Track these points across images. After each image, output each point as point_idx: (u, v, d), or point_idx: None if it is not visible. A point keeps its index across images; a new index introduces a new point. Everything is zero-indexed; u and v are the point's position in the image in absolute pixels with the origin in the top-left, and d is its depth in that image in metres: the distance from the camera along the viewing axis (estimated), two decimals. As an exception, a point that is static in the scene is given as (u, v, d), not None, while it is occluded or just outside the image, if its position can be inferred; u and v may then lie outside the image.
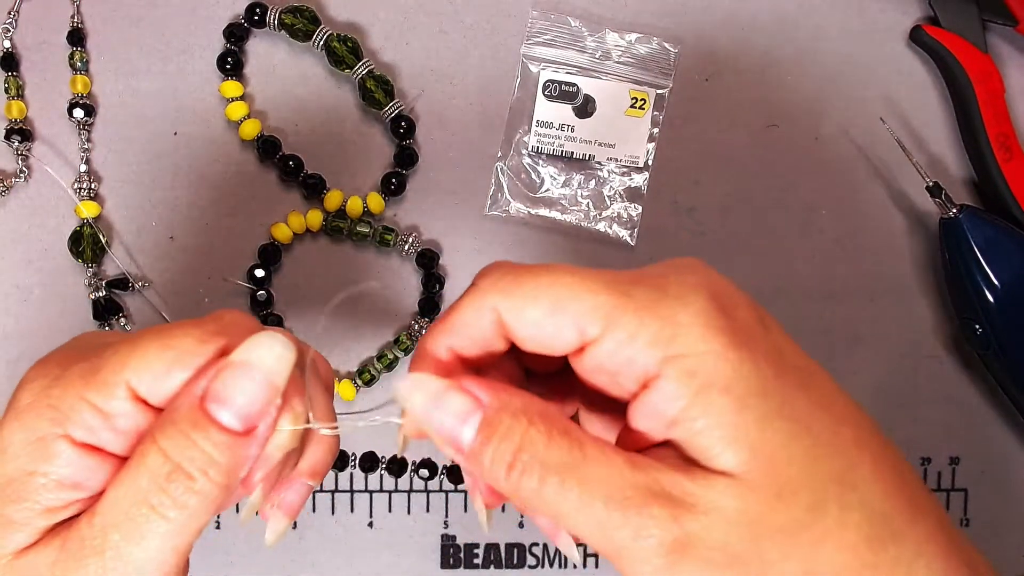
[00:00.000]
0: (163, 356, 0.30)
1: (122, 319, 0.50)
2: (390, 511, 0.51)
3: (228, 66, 0.49)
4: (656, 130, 0.51)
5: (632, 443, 0.31)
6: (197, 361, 0.31)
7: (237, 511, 0.50)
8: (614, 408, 0.33)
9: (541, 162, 0.51)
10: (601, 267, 0.51)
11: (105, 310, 0.49)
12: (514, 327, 0.31)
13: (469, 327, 0.32)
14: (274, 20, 0.49)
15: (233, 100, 0.49)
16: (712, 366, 0.29)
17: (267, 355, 0.30)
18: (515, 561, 0.51)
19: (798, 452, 0.29)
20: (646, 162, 0.51)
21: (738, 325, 0.30)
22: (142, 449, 0.30)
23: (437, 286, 0.50)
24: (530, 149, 0.51)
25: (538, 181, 0.51)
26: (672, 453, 0.30)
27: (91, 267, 0.49)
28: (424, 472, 0.51)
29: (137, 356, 0.30)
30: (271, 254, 0.50)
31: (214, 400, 0.30)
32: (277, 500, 0.34)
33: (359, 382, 0.51)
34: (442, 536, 0.51)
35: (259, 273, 0.50)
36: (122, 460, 0.31)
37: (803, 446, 0.29)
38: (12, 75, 0.49)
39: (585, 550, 0.51)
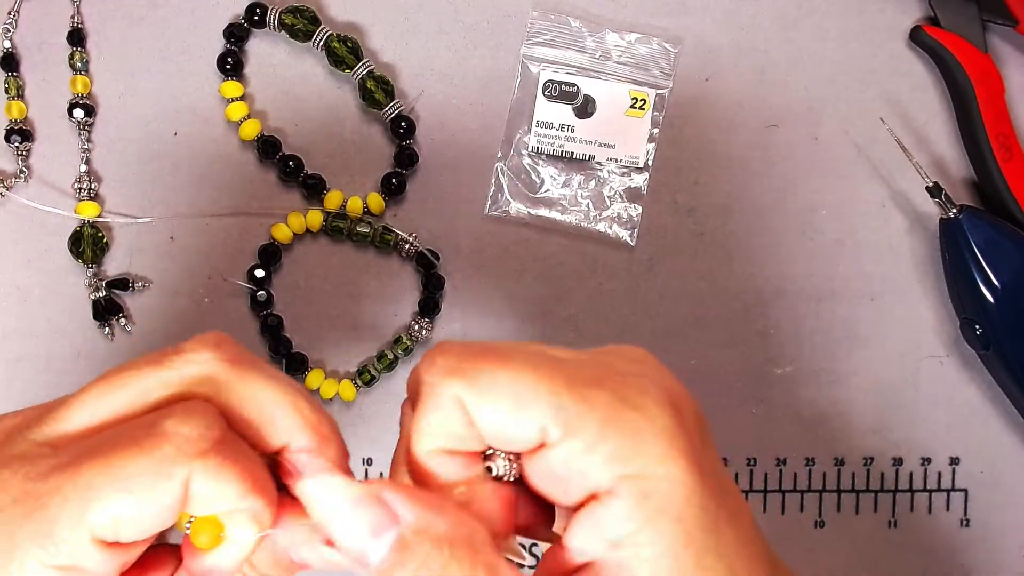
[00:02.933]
0: (124, 501, 0.27)
1: (122, 319, 0.50)
2: (390, 511, 0.51)
3: (228, 66, 0.49)
4: (656, 130, 0.51)
5: (559, 559, 0.30)
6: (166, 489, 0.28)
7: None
8: (546, 509, 0.32)
9: (541, 162, 0.51)
10: (601, 268, 0.51)
11: (105, 310, 0.49)
12: (477, 420, 0.29)
13: (435, 424, 0.29)
14: (274, 20, 0.49)
15: (233, 100, 0.49)
16: (668, 491, 0.28)
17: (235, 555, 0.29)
18: (514, 561, 0.51)
19: None
20: (646, 162, 0.51)
21: (692, 443, 0.29)
22: None
23: (437, 286, 0.50)
24: (530, 149, 0.51)
25: (538, 181, 0.51)
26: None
27: (91, 267, 0.49)
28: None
29: (95, 506, 0.27)
30: (271, 254, 0.50)
31: None
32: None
33: (359, 382, 0.51)
34: (442, 536, 0.51)
35: (259, 273, 0.50)
36: None
37: None
38: (12, 75, 0.49)
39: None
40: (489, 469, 0.30)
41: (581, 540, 0.29)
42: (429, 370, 0.29)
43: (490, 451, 0.30)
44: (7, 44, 0.49)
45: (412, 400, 0.31)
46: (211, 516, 0.29)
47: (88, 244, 0.49)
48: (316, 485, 0.28)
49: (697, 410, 0.31)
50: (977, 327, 0.49)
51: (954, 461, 0.53)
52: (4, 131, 0.49)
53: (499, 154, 0.51)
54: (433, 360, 0.30)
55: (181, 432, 0.27)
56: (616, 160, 0.51)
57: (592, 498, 0.28)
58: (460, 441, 0.30)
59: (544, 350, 0.30)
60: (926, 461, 0.53)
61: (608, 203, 0.51)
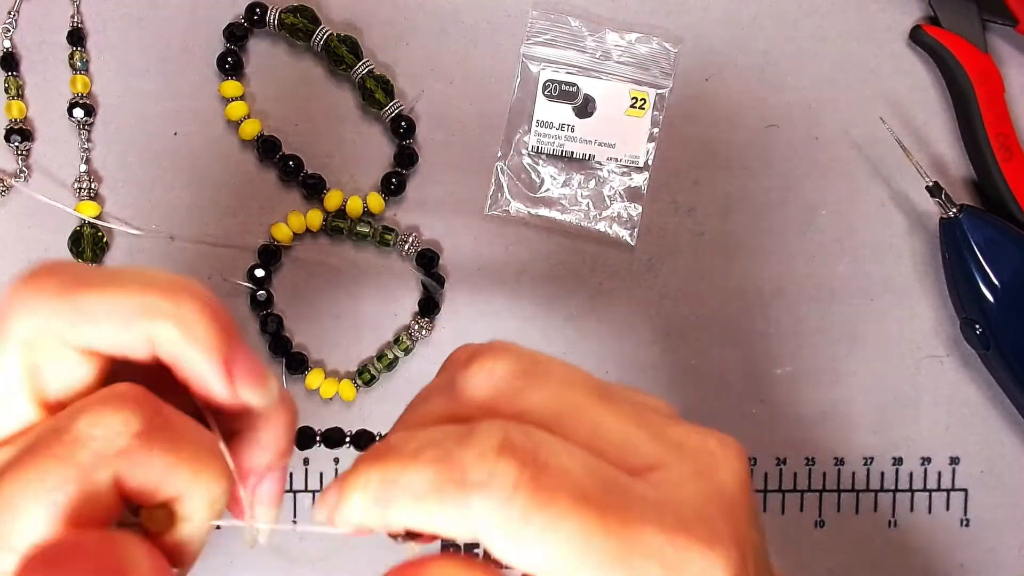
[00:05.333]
0: (48, 514, 0.25)
1: (122, 319, 0.50)
2: (390, 511, 0.51)
3: (228, 66, 0.49)
4: (656, 130, 0.51)
5: None
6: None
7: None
8: None
9: (541, 162, 0.51)
10: (601, 268, 0.51)
11: (105, 310, 0.49)
12: (494, 551, 0.27)
13: (432, 524, 0.27)
14: (274, 20, 0.49)
15: (233, 100, 0.49)
16: None
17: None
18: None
19: None
20: (646, 162, 0.51)
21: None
22: None
23: (437, 286, 0.50)
24: (530, 149, 0.51)
25: (538, 181, 0.51)
26: None
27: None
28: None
29: (18, 525, 0.25)
30: (271, 254, 0.50)
31: None
32: (257, 498, 0.31)
33: (359, 382, 0.51)
34: (442, 536, 0.51)
35: (259, 273, 0.50)
36: None
37: None
38: (12, 75, 0.49)
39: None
40: None
41: None
42: (485, 502, 0.26)
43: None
44: (7, 44, 0.49)
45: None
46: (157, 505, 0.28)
47: (88, 244, 0.49)
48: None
49: (761, 555, 0.28)
50: (977, 327, 0.49)
51: (954, 461, 0.53)
52: (4, 131, 0.49)
53: (499, 154, 0.51)
54: (489, 489, 0.26)
55: (94, 433, 0.26)
56: (616, 160, 0.51)
57: None
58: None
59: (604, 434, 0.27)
60: (926, 461, 0.53)
61: (608, 203, 0.51)
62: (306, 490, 0.51)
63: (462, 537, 0.26)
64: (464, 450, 0.26)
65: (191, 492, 0.27)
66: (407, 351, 0.51)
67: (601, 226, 0.51)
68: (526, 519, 0.25)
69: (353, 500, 0.27)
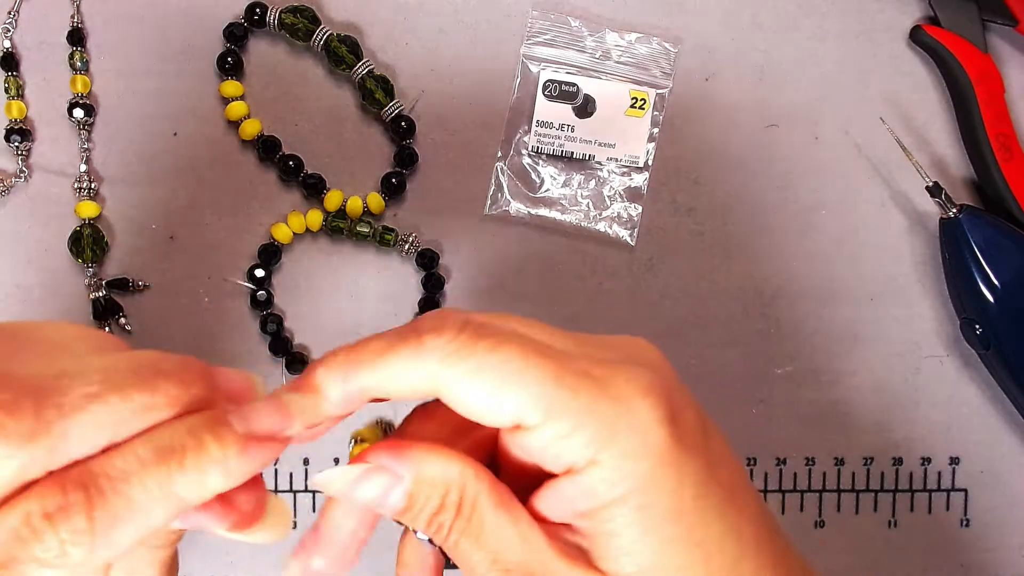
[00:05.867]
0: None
1: (122, 319, 0.50)
2: (390, 511, 0.51)
3: (228, 66, 0.49)
4: (656, 130, 0.51)
5: (534, 511, 0.31)
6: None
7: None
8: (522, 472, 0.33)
9: (541, 162, 0.51)
10: (601, 268, 0.51)
11: (105, 310, 0.49)
12: (449, 398, 0.30)
13: (395, 380, 0.30)
14: (274, 20, 0.49)
15: (233, 100, 0.49)
16: (635, 482, 0.29)
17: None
18: None
19: None
20: (646, 162, 0.51)
21: (677, 439, 0.30)
22: None
23: (437, 286, 0.50)
24: (530, 149, 0.51)
25: (538, 181, 0.51)
26: (567, 536, 0.31)
27: (91, 267, 0.49)
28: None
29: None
30: (271, 254, 0.50)
31: None
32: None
33: (359, 382, 0.51)
34: (442, 536, 0.51)
35: (259, 273, 0.50)
36: None
37: (695, 574, 0.30)
38: (12, 75, 0.49)
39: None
40: None
41: (551, 504, 0.31)
42: (435, 340, 0.30)
43: None
44: (7, 44, 0.49)
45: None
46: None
47: (88, 244, 0.49)
48: (324, 481, 0.31)
49: (699, 410, 0.31)
50: (977, 327, 0.49)
51: (954, 461, 0.53)
52: (4, 131, 0.49)
53: (499, 154, 0.51)
54: (440, 333, 0.30)
55: (51, 556, 0.27)
56: (616, 160, 0.51)
57: (567, 472, 0.30)
58: (393, 394, 0.31)
59: (538, 334, 0.31)
60: (926, 461, 0.53)
61: (608, 203, 0.51)
62: (306, 490, 0.51)
63: (418, 389, 0.30)
64: (417, 321, 0.31)
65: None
66: (407, 351, 0.50)
67: (601, 226, 0.51)
68: (472, 348, 0.29)
69: (321, 374, 0.30)
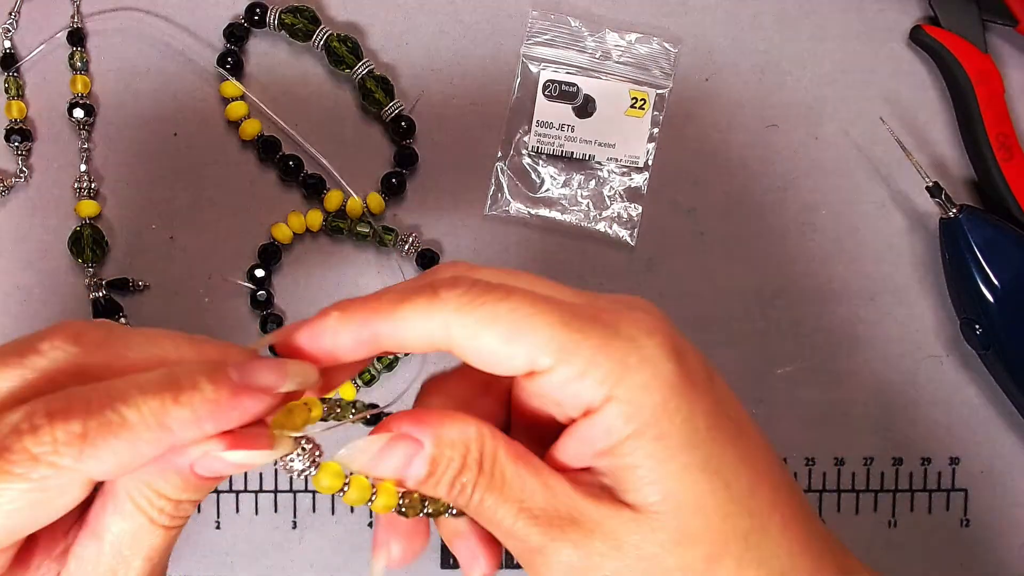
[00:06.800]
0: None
1: (122, 319, 0.50)
2: (390, 511, 0.51)
3: (228, 66, 0.49)
4: (656, 130, 0.51)
5: (553, 462, 0.32)
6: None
7: (237, 510, 0.50)
8: (538, 425, 0.34)
9: (541, 162, 0.51)
10: (601, 268, 0.51)
11: (105, 310, 0.49)
12: (462, 347, 0.31)
13: (410, 329, 0.31)
14: (274, 20, 0.49)
15: (233, 100, 0.49)
16: (650, 413, 0.30)
17: (260, 458, 0.30)
18: (515, 561, 0.51)
19: (710, 505, 0.31)
20: (646, 162, 0.51)
21: (685, 373, 0.31)
22: (125, 485, 0.30)
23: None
24: (530, 149, 0.51)
25: (538, 181, 0.51)
26: (589, 479, 0.32)
27: (91, 267, 0.49)
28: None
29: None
30: (271, 254, 0.50)
31: (204, 470, 0.30)
32: None
33: (359, 382, 0.51)
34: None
35: (259, 273, 0.50)
36: None
37: (716, 501, 0.31)
38: (12, 75, 0.49)
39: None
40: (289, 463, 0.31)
41: (572, 448, 0.32)
42: (446, 295, 0.31)
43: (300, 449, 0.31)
44: (7, 44, 0.49)
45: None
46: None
47: (88, 244, 0.49)
48: (347, 456, 0.31)
49: (700, 353, 0.33)
50: (977, 327, 0.49)
51: (954, 461, 0.53)
52: (4, 131, 0.49)
53: (499, 154, 0.51)
54: (454, 285, 0.31)
55: (43, 451, 0.27)
56: (616, 160, 0.51)
57: (585, 414, 0.31)
58: (407, 346, 0.31)
59: (545, 288, 0.32)
60: (926, 461, 0.53)
61: (608, 203, 0.51)
62: (306, 490, 0.51)
63: (432, 339, 0.31)
64: (430, 274, 0.33)
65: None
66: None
67: (601, 226, 0.51)
68: (483, 299, 0.30)
69: (336, 318, 0.32)
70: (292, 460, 0.31)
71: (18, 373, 0.29)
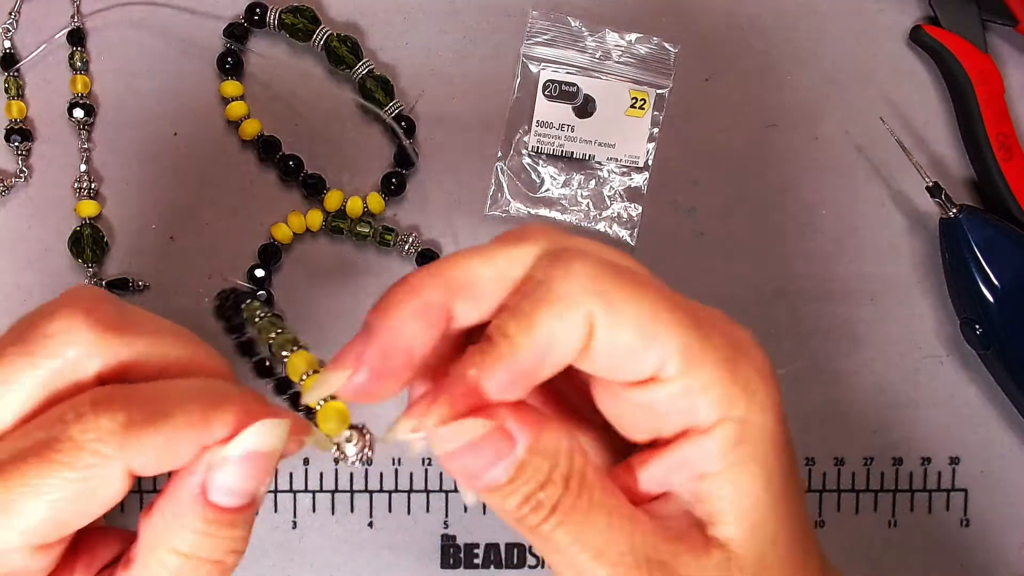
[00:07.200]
0: (55, 511, 0.27)
1: (122, 319, 0.50)
2: (390, 511, 0.51)
3: (228, 66, 0.49)
4: (656, 130, 0.51)
5: (631, 481, 0.30)
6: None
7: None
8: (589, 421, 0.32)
9: (541, 162, 0.51)
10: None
11: (105, 310, 0.49)
12: (599, 344, 0.27)
13: (554, 344, 0.27)
14: (274, 20, 0.49)
15: (233, 100, 0.49)
16: (760, 440, 0.29)
17: (265, 440, 0.29)
18: (515, 561, 0.51)
19: (783, 535, 0.29)
20: (646, 162, 0.51)
21: (780, 396, 0.30)
22: (151, 547, 0.29)
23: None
24: (530, 149, 0.51)
25: (538, 181, 0.51)
26: (667, 510, 0.29)
27: (91, 267, 0.49)
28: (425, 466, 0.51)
29: (20, 521, 0.27)
30: (271, 254, 0.50)
31: (218, 491, 0.28)
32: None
33: (359, 382, 0.50)
34: (442, 536, 0.51)
35: (259, 273, 0.50)
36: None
37: (787, 530, 0.29)
38: (12, 75, 0.49)
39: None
40: (339, 454, 0.30)
41: (663, 472, 0.29)
42: (565, 277, 0.27)
43: (348, 433, 0.30)
44: (7, 44, 0.49)
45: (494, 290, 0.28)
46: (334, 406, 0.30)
47: (88, 244, 0.49)
48: (436, 440, 0.28)
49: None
50: (977, 327, 0.49)
51: (954, 461, 0.53)
52: (4, 131, 0.49)
53: (499, 154, 0.51)
54: (569, 267, 0.27)
55: (88, 439, 0.27)
56: (616, 160, 0.51)
57: (683, 435, 0.28)
58: (556, 363, 0.27)
59: (665, 285, 0.29)
60: (926, 461, 0.53)
61: (608, 203, 0.51)
62: (306, 490, 0.51)
63: (572, 334, 0.27)
64: (547, 270, 0.28)
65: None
66: (407, 351, 0.50)
67: (601, 226, 0.51)
68: (623, 284, 0.27)
69: (478, 376, 0.28)
70: (346, 445, 0.30)
71: (33, 376, 0.29)
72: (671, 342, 0.27)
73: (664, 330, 0.27)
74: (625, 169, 0.51)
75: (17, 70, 0.49)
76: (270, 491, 0.51)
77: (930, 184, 0.49)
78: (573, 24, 0.50)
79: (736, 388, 0.28)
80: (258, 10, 0.49)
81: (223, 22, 0.49)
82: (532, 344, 0.27)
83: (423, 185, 0.51)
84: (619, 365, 0.28)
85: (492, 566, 0.51)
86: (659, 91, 0.51)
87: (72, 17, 0.49)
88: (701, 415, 0.28)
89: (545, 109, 0.50)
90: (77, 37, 0.49)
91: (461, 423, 0.27)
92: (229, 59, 0.49)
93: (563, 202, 0.51)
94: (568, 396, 0.33)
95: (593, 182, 0.51)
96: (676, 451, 0.29)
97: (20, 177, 0.49)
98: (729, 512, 0.29)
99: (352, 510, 0.51)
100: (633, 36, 0.51)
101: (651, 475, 0.29)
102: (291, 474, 0.51)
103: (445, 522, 0.51)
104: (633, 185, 0.51)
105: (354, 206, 0.50)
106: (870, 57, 0.52)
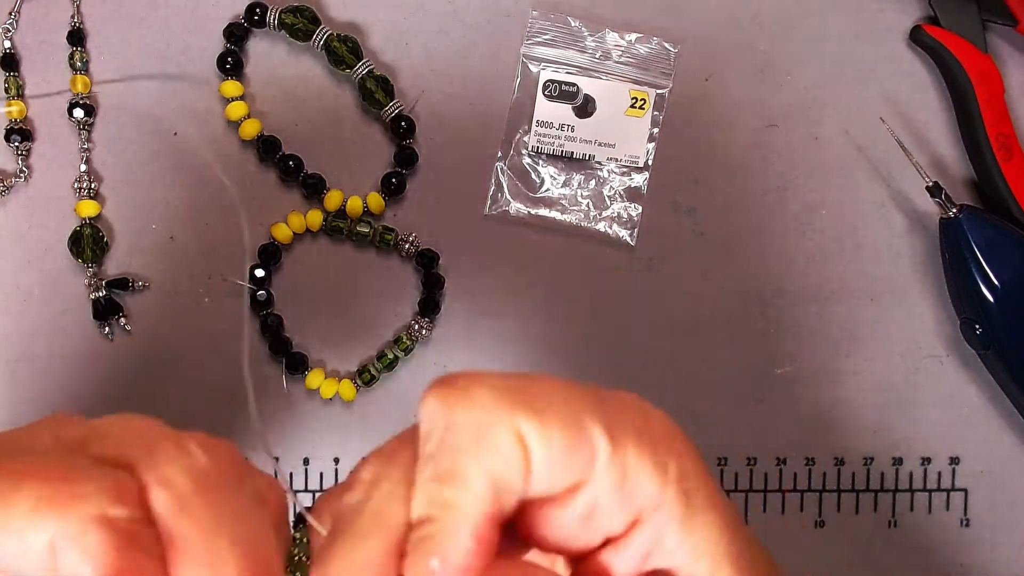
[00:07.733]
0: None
1: (122, 319, 0.50)
2: (390, 511, 0.51)
3: (228, 66, 0.49)
4: (656, 130, 0.51)
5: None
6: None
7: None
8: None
9: (541, 162, 0.51)
10: (602, 268, 0.51)
11: (105, 310, 0.49)
12: (535, 461, 0.25)
13: (503, 476, 0.24)
14: (274, 20, 0.49)
15: (233, 100, 0.49)
16: (703, 493, 0.28)
17: None
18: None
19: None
20: (646, 162, 0.51)
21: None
22: None
23: (437, 286, 0.50)
24: (530, 149, 0.51)
25: (538, 181, 0.51)
26: None
27: (91, 267, 0.49)
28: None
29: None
30: (271, 254, 0.50)
31: None
32: None
33: (359, 382, 0.51)
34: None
35: (259, 273, 0.50)
36: None
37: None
38: (12, 75, 0.49)
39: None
40: None
41: (629, 561, 0.27)
42: (468, 404, 0.24)
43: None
44: (7, 44, 0.49)
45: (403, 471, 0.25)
46: None
47: (88, 244, 0.49)
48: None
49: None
50: (977, 327, 0.49)
51: (954, 461, 0.53)
52: (4, 131, 0.49)
53: (499, 154, 0.51)
54: (467, 392, 0.24)
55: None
56: (616, 160, 0.51)
57: (632, 526, 0.27)
58: (510, 499, 0.25)
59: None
60: (926, 461, 0.53)
61: (608, 203, 0.51)
62: (306, 490, 0.51)
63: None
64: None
65: None
66: (407, 351, 0.51)
67: (601, 226, 0.51)
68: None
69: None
70: None
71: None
72: (595, 422, 0.25)
73: (589, 414, 0.25)
74: (625, 169, 0.51)
75: (17, 70, 0.49)
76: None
77: (930, 184, 0.49)
78: (573, 24, 0.50)
79: (665, 454, 0.27)
80: (258, 10, 0.49)
81: (223, 22, 0.49)
82: (477, 494, 0.24)
83: (423, 185, 0.51)
84: (554, 474, 0.25)
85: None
86: (659, 91, 0.51)
87: (72, 17, 0.49)
88: (647, 491, 0.26)
89: (545, 109, 0.50)
90: (77, 37, 0.49)
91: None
92: (229, 59, 0.49)
93: (563, 202, 0.51)
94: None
95: (593, 182, 0.51)
96: (631, 538, 0.27)
97: (20, 177, 0.49)
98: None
99: (352, 510, 0.51)
100: (633, 36, 0.51)
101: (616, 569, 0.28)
102: (291, 474, 0.51)
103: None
104: (633, 185, 0.51)
105: (354, 206, 0.50)
106: (870, 57, 0.52)
